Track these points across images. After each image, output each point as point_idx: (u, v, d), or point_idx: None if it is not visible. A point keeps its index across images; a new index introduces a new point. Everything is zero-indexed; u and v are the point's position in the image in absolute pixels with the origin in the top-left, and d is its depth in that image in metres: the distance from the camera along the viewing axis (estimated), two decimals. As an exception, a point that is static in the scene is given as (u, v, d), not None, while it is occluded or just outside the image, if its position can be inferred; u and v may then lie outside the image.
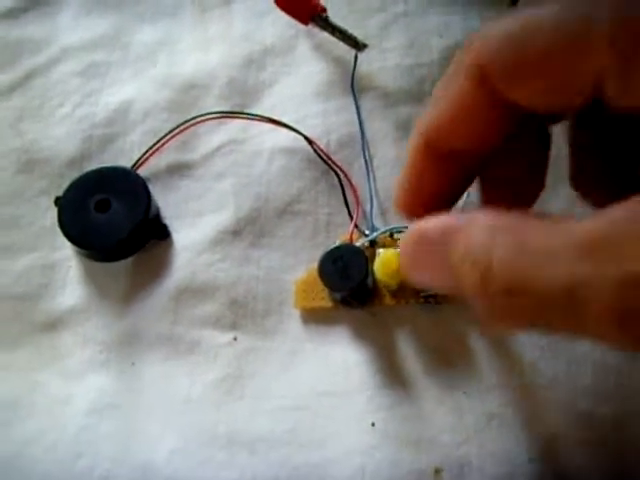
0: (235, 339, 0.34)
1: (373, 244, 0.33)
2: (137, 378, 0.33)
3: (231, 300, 0.34)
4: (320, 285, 0.33)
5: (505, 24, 0.20)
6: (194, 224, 0.36)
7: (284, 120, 0.37)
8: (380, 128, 0.38)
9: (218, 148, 0.38)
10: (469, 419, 0.31)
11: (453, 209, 0.26)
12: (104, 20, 0.43)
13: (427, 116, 0.23)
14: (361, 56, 0.39)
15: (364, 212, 0.35)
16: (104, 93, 0.40)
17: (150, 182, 0.37)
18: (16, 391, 0.33)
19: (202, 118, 0.38)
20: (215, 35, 0.42)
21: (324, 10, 0.39)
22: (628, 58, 0.17)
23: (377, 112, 0.38)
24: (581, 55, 0.18)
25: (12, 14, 0.44)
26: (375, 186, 0.36)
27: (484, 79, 0.21)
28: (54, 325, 0.35)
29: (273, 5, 0.40)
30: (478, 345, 0.32)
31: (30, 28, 0.43)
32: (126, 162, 0.37)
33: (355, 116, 0.38)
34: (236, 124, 0.38)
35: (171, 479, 0.30)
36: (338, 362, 0.33)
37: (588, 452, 0.30)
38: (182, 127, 0.38)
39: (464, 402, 0.31)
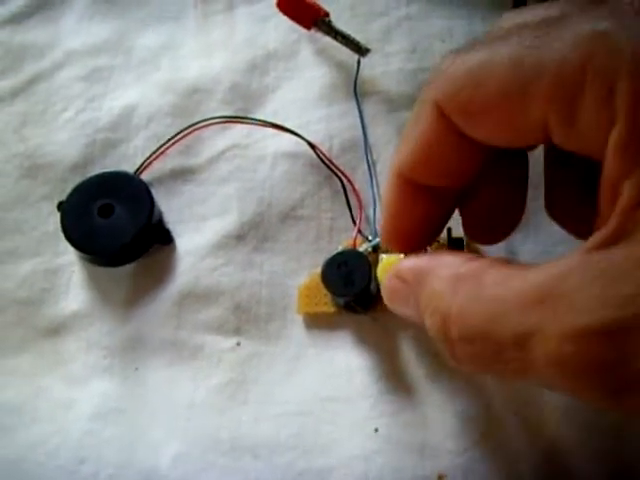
0: (238, 344, 0.34)
1: (376, 249, 0.33)
2: (140, 383, 0.33)
3: (235, 305, 0.34)
4: (323, 290, 0.33)
5: (465, 61, 0.21)
6: (197, 229, 0.36)
7: (287, 125, 0.37)
8: (383, 133, 0.38)
9: (221, 153, 0.38)
10: (473, 425, 0.31)
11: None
12: (107, 25, 0.43)
13: (399, 152, 0.24)
14: (364, 61, 0.39)
15: (367, 217, 0.35)
16: (107, 98, 0.40)
17: (153, 187, 0.37)
18: (20, 396, 0.33)
19: (205, 123, 0.38)
20: (218, 40, 0.42)
21: (327, 14, 0.39)
22: (567, 112, 0.18)
23: (380, 117, 0.38)
24: (526, 104, 0.19)
25: (15, 19, 0.44)
26: (378, 191, 0.36)
27: (444, 116, 0.22)
28: (57, 330, 0.35)
29: (276, 10, 0.40)
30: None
31: (33, 33, 0.43)
32: (129, 167, 0.38)
33: (358, 121, 0.38)
34: (239, 129, 0.38)
35: (175, 484, 0.30)
36: (341, 367, 0.33)
37: (590, 458, 0.29)
38: (185, 132, 0.38)
39: (467, 408, 0.31)
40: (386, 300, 0.27)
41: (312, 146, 0.36)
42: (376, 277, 0.32)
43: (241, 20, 0.43)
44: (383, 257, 0.29)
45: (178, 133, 0.38)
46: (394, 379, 0.32)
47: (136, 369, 0.33)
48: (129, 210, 0.35)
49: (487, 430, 0.30)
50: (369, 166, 0.36)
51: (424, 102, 0.23)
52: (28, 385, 0.33)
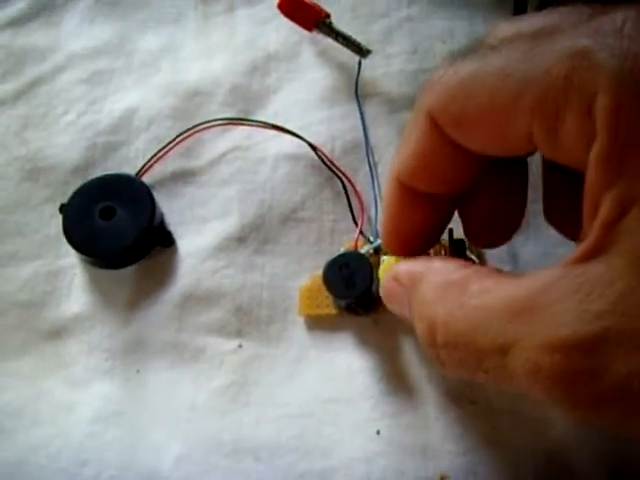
0: (240, 346, 0.34)
1: (377, 251, 0.33)
2: (142, 385, 0.33)
3: (236, 307, 0.34)
4: (324, 292, 0.33)
5: (457, 72, 0.21)
6: (199, 231, 0.36)
7: (288, 127, 0.37)
8: (384, 134, 0.38)
9: (222, 155, 0.38)
10: (475, 426, 0.31)
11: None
12: (108, 27, 0.43)
13: (397, 157, 0.25)
14: (365, 62, 0.39)
15: (369, 218, 0.35)
16: (108, 100, 0.40)
17: (154, 189, 0.37)
18: (21, 399, 0.33)
19: (206, 125, 0.38)
20: (219, 42, 0.42)
21: (328, 16, 0.39)
22: (550, 125, 0.19)
23: (381, 118, 0.38)
24: (513, 116, 0.20)
25: (16, 22, 0.44)
26: (380, 192, 0.36)
27: (437, 126, 0.22)
28: (59, 333, 0.35)
29: (277, 12, 0.40)
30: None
31: (34, 36, 0.43)
32: (130, 169, 0.38)
33: (359, 122, 0.38)
34: (240, 131, 0.38)
35: (176, 486, 0.30)
36: (343, 369, 0.33)
37: (592, 458, 0.29)
38: (186, 134, 0.38)
39: (469, 409, 0.31)
40: (384, 301, 0.28)
41: (313, 148, 0.36)
42: (378, 279, 0.32)
43: (242, 22, 0.43)
44: (385, 259, 0.29)
45: (179, 135, 0.38)
46: (395, 380, 0.32)
47: (137, 371, 0.33)
48: (130, 212, 0.35)
49: (489, 431, 0.30)
50: (370, 167, 0.36)
51: (418, 111, 0.23)
52: (29, 388, 0.33)
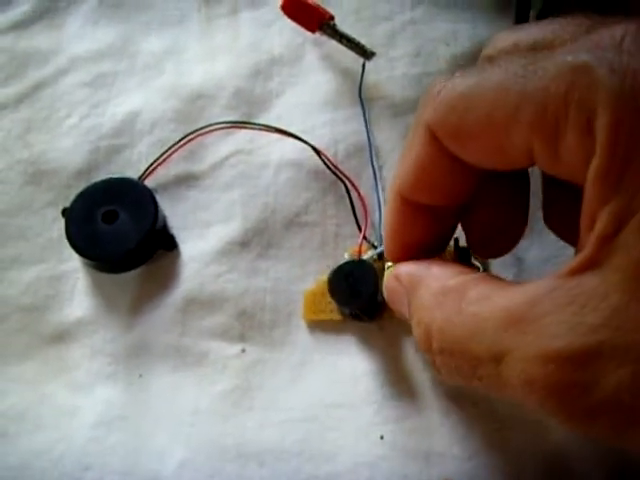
0: (243, 350, 0.33)
1: (381, 256, 0.33)
2: (145, 390, 0.33)
3: (239, 311, 0.34)
4: (328, 297, 0.32)
5: (455, 86, 0.22)
6: (202, 235, 0.36)
7: (291, 130, 0.37)
8: (388, 137, 0.38)
9: (225, 158, 0.38)
10: (478, 431, 0.30)
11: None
12: (111, 30, 0.43)
13: (398, 172, 0.25)
14: (368, 65, 0.39)
15: (372, 222, 0.35)
16: (111, 104, 0.40)
17: (157, 193, 0.37)
18: (24, 403, 0.33)
19: (209, 128, 0.38)
20: (222, 45, 0.42)
21: (332, 18, 0.39)
22: (550, 141, 0.19)
23: (385, 121, 0.38)
24: (512, 131, 0.20)
25: (19, 26, 0.44)
26: (383, 196, 0.36)
27: (436, 140, 0.23)
28: (62, 337, 0.35)
29: (280, 14, 0.40)
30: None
31: (37, 39, 0.43)
32: (133, 173, 0.37)
33: (363, 126, 0.37)
34: (243, 134, 0.38)
35: (180, 491, 0.30)
36: (346, 373, 0.33)
37: (595, 462, 0.29)
38: (189, 137, 0.38)
39: (472, 412, 0.31)
40: (386, 299, 0.28)
41: (317, 151, 0.36)
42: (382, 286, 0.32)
43: (245, 25, 0.43)
44: (389, 265, 0.29)
45: (182, 139, 0.38)
46: (399, 385, 0.32)
47: (140, 376, 0.33)
48: (133, 216, 0.35)
49: (492, 433, 0.30)
50: (374, 171, 0.36)
51: (417, 125, 0.23)
52: (32, 392, 0.33)
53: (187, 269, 0.35)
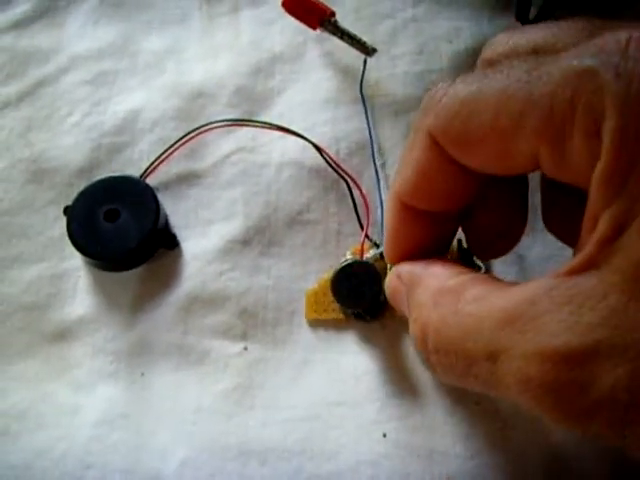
0: (245, 349, 0.33)
1: (383, 256, 0.33)
2: (147, 388, 0.33)
3: (241, 310, 0.34)
4: (331, 297, 0.32)
5: (457, 92, 0.21)
6: (203, 233, 0.36)
7: (293, 128, 0.37)
8: (390, 135, 0.38)
9: (227, 156, 0.38)
10: (481, 430, 0.30)
11: None
12: (112, 28, 0.43)
13: (397, 177, 0.25)
14: (370, 63, 0.38)
15: (374, 220, 0.35)
16: (112, 102, 0.40)
17: (159, 191, 0.37)
18: (26, 402, 0.33)
19: (211, 126, 0.38)
20: (223, 43, 0.42)
21: (333, 14, 0.39)
22: (556, 146, 0.19)
23: (387, 119, 0.38)
24: (517, 137, 0.20)
25: (20, 24, 0.44)
26: (385, 194, 0.35)
27: (438, 145, 0.23)
28: (63, 335, 0.35)
29: (281, 12, 0.40)
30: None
31: (38, 38, 0.43)
32: (135, 171, 0.37)
33: (364, 123, 0.37)
34: (245, 132, 0.38)
35: (182, 490, 0.30)
36: (348, 371, 0.33)
37: (597, 463, 0.29)
38: (190, 135, 0.38)
39: (474, 410, 0.31)
40: (388, 297, 0.28)
41: (318, 149, 0.36)
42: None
43: (246, 23, 0.43)
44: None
45: (183, 137, 0.38)
46: (401, 383, 0.32)
47: (142, 374, 0.33)
48: (135, 215, 0.35)
49: (495, 435, 0.30)
50: (376, 169, 0.36)
51: (418, 131, 0.23)
52: (34, 390, 0.33)
53: (189, 267, 0.35)
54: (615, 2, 0.39)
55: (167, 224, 0.36)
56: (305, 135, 0.37)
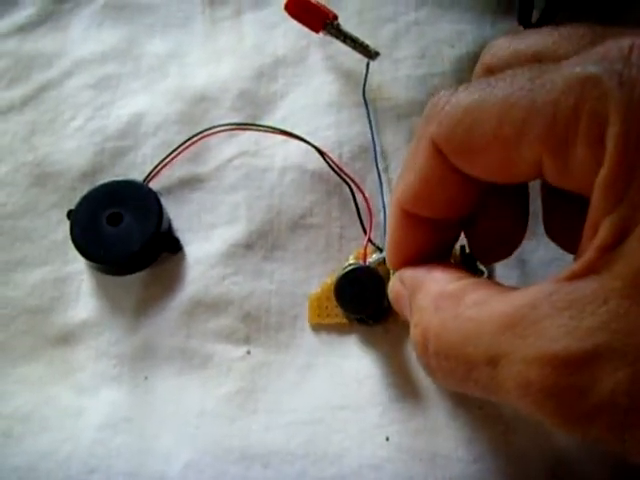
0: (248, 353, 0.33)
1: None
2: (150, 392, 0.33)
3: (244, 314, 0.34)
4: (334, 301, 0.33)
5: (460, 101, 0.22)
6: (206, 237, 0.36)
7: (296, 132, 0.37)
8: (393, 139, 0.38)
9: (230, 160, 0.38)
10: (484, 434, 0.30)
11: None
12: (115, 32, 0.43)
13: (399, 184, 0.25)
14: (373, 67, 0.38)
15: (377, 225, 0.35)
16: (115, 106, 0.40)
17: (162, 195, 0.37)
18: (29, 405, 0.33)
19: (213, 130, 0.38)
20: (226, 47, 0.42)
21: (335, 17, 0.39)
22: (560, 154, 0.19)
23: (389, 123, 0.38)
24: (520, 145, 0.20)
25: (24, 29, 0.44)
26: (388, 198, 0.35)
27: (441, 154, 0.23)
28: (67, 339, 0.35)
29: (284, 16, 0.39)
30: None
31: (42, 42, 0.43)
32: (138, 175, 0.37)
33: (367, 127, 0.37)
34: (248, 136, 0.38)
35: (185, 494, 0.30)
36: (351, 375, 0.33)
37: (595, 460, 0.29)
38: (193, 139, 0.38)
39: (477, 414, 0.31)
40: (391, 301, 0.28)
41: (321, 153, 0.36)
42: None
43: (249, 27, 0.43)
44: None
45: (186, 141, 0.38)
46: (404, 387, 0.32)
47: (145, 378, 0.33)
48: (138, 218, 0.35)
49: (498, 439, 0.30)
50: (379, 173, 0.36)
51: (421, 139, 0.23)
52: (37, 393, 0.33)
53: (192, 271, 0.35)
54: (616, 6, 0.39)
55: (170, 228, 0.36)
56: (308, 139, 0.37)
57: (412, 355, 0.32)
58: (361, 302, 0.32)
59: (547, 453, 0.30)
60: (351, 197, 0.35)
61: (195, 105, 0.40)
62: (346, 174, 0.36)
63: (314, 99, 0.39)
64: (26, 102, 0.41)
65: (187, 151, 0.38)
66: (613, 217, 0.17)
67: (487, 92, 0.21)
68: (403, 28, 0.41)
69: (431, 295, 0.23)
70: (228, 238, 0.36)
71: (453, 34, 0.41)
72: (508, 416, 0.31)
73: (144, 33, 0.43)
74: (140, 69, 0.42)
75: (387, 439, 0.31)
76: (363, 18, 0.41)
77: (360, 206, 0.35)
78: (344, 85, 0.39)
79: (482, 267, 0.31)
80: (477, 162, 0.22)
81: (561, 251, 0.33)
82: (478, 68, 0.25)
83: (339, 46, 0.39)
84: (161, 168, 0.37)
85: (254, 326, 0.34)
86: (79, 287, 0.36)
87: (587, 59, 0.18)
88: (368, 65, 0.38)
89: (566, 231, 0.25)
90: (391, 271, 0.29)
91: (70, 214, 0.36)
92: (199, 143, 0.38)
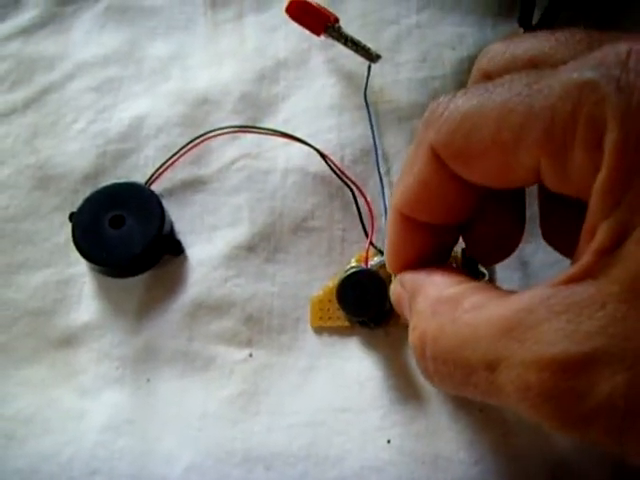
0: (251, 355, 0.34)
1: (387, 263, 0.33)
2: (152, 394, 0.33)
3: (246, 316, 0.34)
4: (336, 304, 0.33)
5: (458, 107, 0.22)
6: (209, 239, 0.36)
7: (298, 134, 0.37)
8: (394, 142, 0.38)
9: (232, 163, 0.38)
10: (485, 436, 0.31)
11: None
12: (117, 35, 0.43)
13: (398, 189, 0.25)
14: (374, 70, 0.38)
15: (379, 227, 0.35)
16: (118, 108, 0.40)
17: (164, 197, 0.37)
18: (32, 407, 0.33)
19: (215, 133, 0.38)
20: (228, 49, 0.42)
21: (337, 20, 0.39)
22: (558, 159, 0.19)
23: (391, 126, 0.38)
24: (519, 151, 0.20)
25: (26, 31, 0.44)
26: (390, 201, 0.35)
27: (439, 159, 0.23)
28: (69, 341, 0.35)
29: (286, 19, 0.39)
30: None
31: (44, 45, 0.43)
32: (140, 177, 0.38)
33: (369, 130, 0.37)
34: (249, 138, 0.38)
35: (187, 496, 0.31)
36: (353, 378, 0.33)
37: (600, 467, 0.29)
38: (195, 142, 0.38)
39: (479, 416, 0.31)
40: (393, 304, 0.28)
41: (323, 156, 0.36)
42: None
43: (251, 29, 0.43)
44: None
45: (188, 143, 0.38)
46: (406, 389, 0.32)
47: (148, 380, 0.33)
48: (140, 221, 0.35)
49: (499, 441, 0.30)
50: (380, 176, 0.36)
51: (419, 145, 0.23)
52: (40, 396, 0.33)
53: (194, 273, 0.35)
54: (616, 7, 0.39)
55: (172, 230, 0.36)
56: (309, 142, 0.37)
57: (413, 358, 0.32)
58: (363, 305, 0.32)
59: (547, 455, 0.30)
60: (353, 200, 0.35)
61: (197, 107, 0.40)
62: (348, 177, 0.36)
63: (315, 102, 0.39)
64: (28, 105, 0.41)
65: (189, 153, 0.38)
66: (611, 221, 0.17)
67: (485, 98, 0.21)
68: (404, 31, 0.41)
69: (429, 299, 0.23)
70: (230, 240, 0.36)
71: (454, 37, 0.41)
72: (509, 419, 0.31)
73: (146, 36, 0.43)
74: (142, 72, 0.42)
75: (389, 442, 0.31)
76: (364, 21, 0.41)
77: (362, 209, 0.35)
78: (345, 88, 0.39)
79: (483, 270, 0.31)
80: (475, 168, 0.22)
81: (563, 254, 0.34)
82: (474, 73, 0.25)
83: (340, 49, 0.39)
84: (163, 170, 0.38)
85: (256, 328, 0.34)
86: (81, 289, 0.36)
87: (584, 64, 0.18)
88: (369, 68, 0.38)
89: (563, 235, 0.25)
90: (392, 274, 0.29)
91: (72, 216, 0.36)
92: (201, 145, 0.38)
